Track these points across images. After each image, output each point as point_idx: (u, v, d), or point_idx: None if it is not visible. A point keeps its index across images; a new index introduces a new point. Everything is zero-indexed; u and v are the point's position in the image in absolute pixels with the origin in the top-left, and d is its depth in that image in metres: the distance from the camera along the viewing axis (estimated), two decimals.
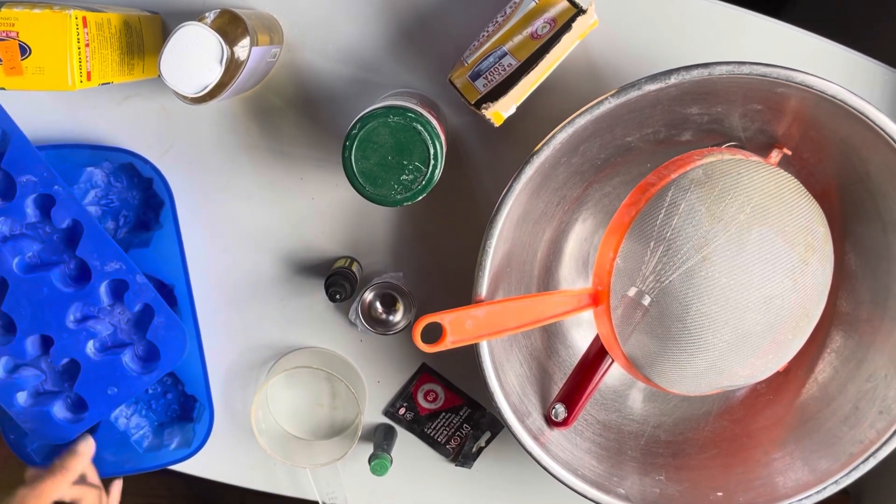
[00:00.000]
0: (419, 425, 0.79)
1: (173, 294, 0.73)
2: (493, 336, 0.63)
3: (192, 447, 0.76)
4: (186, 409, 0.78)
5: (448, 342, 0.61)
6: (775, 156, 0.64)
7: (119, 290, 0.71)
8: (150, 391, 0.77)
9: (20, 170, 0.68)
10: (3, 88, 0.58)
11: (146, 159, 0.71)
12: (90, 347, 0.71)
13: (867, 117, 0.58)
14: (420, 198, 0.60)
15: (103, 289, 0.70)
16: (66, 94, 0.71)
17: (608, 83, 0.69)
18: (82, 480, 0.71)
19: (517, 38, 0.61)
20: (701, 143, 0.65)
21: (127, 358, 0.72)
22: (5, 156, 0.68)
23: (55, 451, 0.73)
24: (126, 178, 0.73)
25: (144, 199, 0.73)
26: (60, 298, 0.70)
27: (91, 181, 0.72)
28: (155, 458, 0.76)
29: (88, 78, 0.59)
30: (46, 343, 0.71)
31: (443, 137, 0.61)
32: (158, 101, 0.71)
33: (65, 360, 0.71)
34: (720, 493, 0.67)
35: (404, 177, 0.59)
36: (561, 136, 0.59)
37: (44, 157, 0.68)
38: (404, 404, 0.78)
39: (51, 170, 0.68)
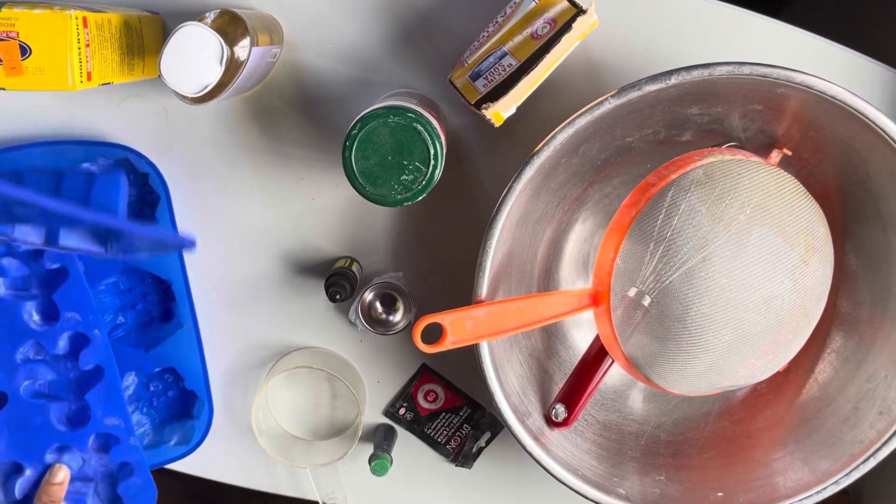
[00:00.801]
0: (419, 425, 0.79)
1: (171, 290, 0.73)
2: (494, 336, 0.63)
3: (191, 444, 0.76)
4: (187, 406, 0.78)
5: (448, 343, 0.61)
6: (775, 156, 0.64)
7: (105, 446, 0.73)
8: (152, 388, 0.77)
9: (68, 304, 0.70)
10: (4, 89, 0.58)
11: (141, 154, 0.70)
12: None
13: (867, 118, 0.58)
14: (420, 198, 0.60)
15: (92, 438, 0.73)
16: (66, 95, 0.71)
17: (608, 83, 0.69)
18: None
19: (517, 39, 0.60)
20: (701, 143, 0.65)
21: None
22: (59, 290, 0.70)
23: None
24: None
25: (141, 195, 0.73)
26: (50, 434, 0.71)
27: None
28: (155, 456, 0.76)
29: (89, 78, 0.59)
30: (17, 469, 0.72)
31: (443, 138, 0.61)
32: (158, 102, 0.71)
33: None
34: (720, 494, 0.67)
35: (404, 177, 0.59)
36: (561, 137, 0.59)
37: (39, 153, 0.69)
38: (404, 404, 0.78)
39: (97, 314, 0.70)
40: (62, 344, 0.71)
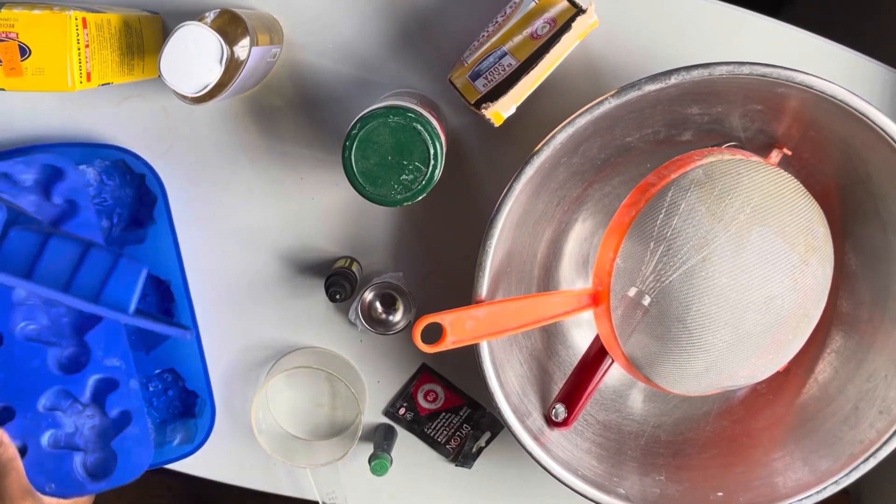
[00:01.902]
0: (419, 425, 0.79)
1: (170, 290, 0.73)
2: (494, 336, 0.63)
3: (195, 443, 0.76)
4: (188, 405, 0.78)
5: (448, 342, 0.61)
6: (775, 156, 0.64)
7: (102, 392, 0.72)
8: (151, 388, 0.77)
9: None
10: (3, 89, 0.58)
11: (137, 155, 0.71)
12: (45, 438, 0.71)
13: (867, 118, 0.58)
14: (420, 198, 0.60)
15: (91, 382, 0.71)
16: (65, 95, 0.71)
17: (608, 83, 0.69)
18: None
19: (517, 38, 0.61)
20: (701, 143, 0.65)
21: (77, 462, 0.72)
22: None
23: None
24: (118, 175, 0.73)
25: (138, 196, 0.73)
26: (45, 378, 0.70)
27: (83, 180, 0.72)
28: (159, 455, 0.76)
29: (88, 79, 0.59)
30: (8, 415, 0.71)
31: (443, 137, 0.61)
32: (158, 101, 0.71)
33: (17, 443, 0.71)
34: (720, 493, 0.67)
35: (404, 177, 0.59)
36: (561, 137, 0.59)
37: (36, 158, 0.68)
38: (404, 404, 0.78)
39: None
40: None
